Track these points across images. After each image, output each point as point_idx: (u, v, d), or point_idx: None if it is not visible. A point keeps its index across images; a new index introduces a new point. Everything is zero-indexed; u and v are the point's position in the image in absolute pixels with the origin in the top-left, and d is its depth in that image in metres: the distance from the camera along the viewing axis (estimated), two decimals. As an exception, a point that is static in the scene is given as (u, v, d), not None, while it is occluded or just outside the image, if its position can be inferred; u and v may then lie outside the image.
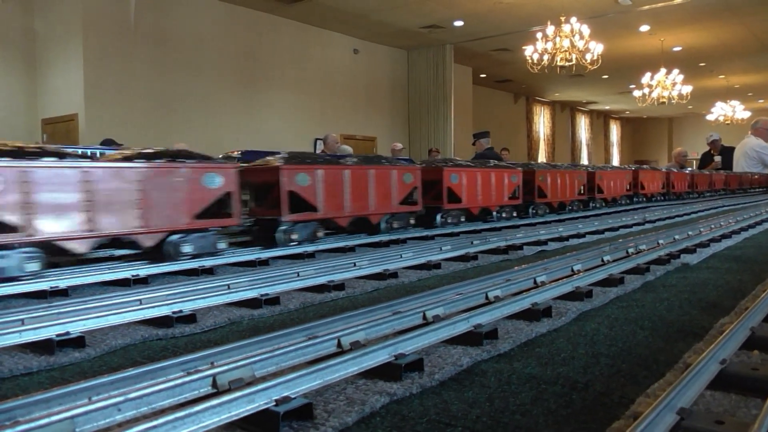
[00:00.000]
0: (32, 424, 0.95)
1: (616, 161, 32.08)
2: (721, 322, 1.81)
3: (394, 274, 2.74)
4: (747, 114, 23.23)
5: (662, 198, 9.06)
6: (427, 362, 1.45)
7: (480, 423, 1.17)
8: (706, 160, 13.21)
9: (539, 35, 12.69)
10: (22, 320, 1.71)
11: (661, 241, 3.50)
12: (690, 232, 3.98)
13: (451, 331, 1.64)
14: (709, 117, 23.33)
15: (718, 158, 12.74)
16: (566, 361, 1.53)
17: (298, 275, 2.50)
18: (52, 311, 1.82)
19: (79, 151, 4.27)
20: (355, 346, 1.44)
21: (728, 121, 22.97)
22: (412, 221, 4.45)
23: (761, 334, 1.57)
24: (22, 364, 1.51)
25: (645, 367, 1.48)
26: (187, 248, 2.98)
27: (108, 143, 8.74)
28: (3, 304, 2.19)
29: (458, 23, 14.81)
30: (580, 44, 12.47)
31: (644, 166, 9.75)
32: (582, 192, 6.77)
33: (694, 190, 10.11)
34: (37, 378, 1.47)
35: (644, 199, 8.43)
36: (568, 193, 6.41)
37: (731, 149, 13.07)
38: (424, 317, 1.76)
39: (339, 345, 1.46)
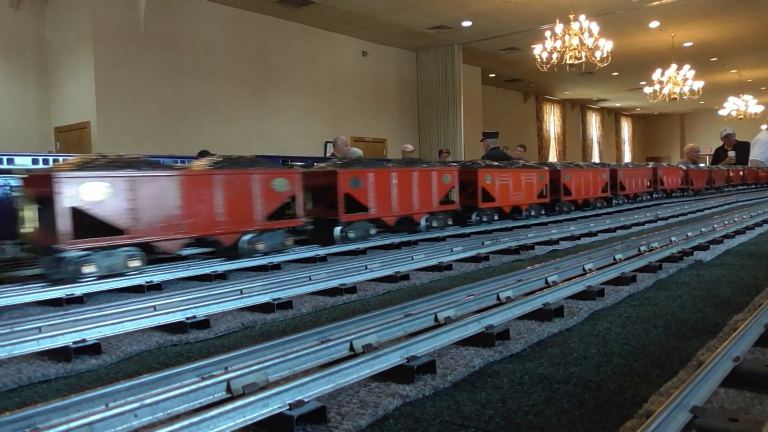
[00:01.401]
0: (52, 431, 0.97)
1: (627, 158, 31.87)
2: (735, 319, 1.81)
3: (405, 276, 2.75)
4: (760, 108, 23.00)
5: (681, 194, 9.04)
6: (440, 364, 1.45)
7: (493, 424, 1.18)
8: (719, 156, 13.08)
9: (548, 34, 12.62)
10: (40, 328, 1.74)
11: (673, 238, 3.48)
12: (703, 229, 3.96)
13: (462, 333, 1.65)
14: (722, 112, 23.11)
15: (732, 153, 12.61)
16: (579, 361, 1.53)
17: (310, 279, 2.51)
18: (69, 319, 1.84)
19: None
20: (368, 349, 1.45)
21: (741, 116, 22.74)
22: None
23: (775, 331, 1.56)
24: (40, 371, 1.53)
25: (658, 365, 1.48)
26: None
27: (203, 154, 9.10)
28: (20, 312, 2.22)
29: (466, 23, 14.77)
30: (589, 42, 12.39)
31: (663, 164, 9.70)
32: (605, 189, 6.89)
33: (712, 185, 10.08)
34: (55, 385, 1.49)
35: (663, 194, 8.48)
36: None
37: (745, 144, 12.94)
38: (436, 319, 1.76)
39: (351, 348, 1.47)
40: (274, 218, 3.37)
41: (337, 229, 3.78)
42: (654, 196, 8.25)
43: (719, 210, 6.34)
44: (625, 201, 7.39)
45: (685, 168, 9.49)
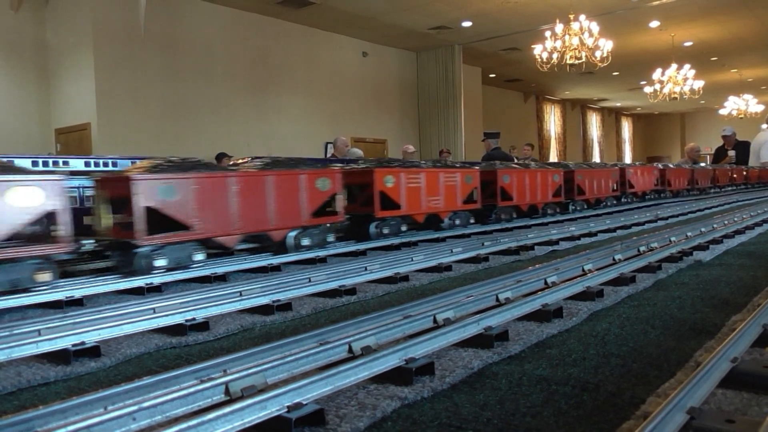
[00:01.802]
0: (49, 435, 0.97)
1: (628, 158, 31.86)
2: (734, 319, 1.81)
3: (405, 278, 2.75)
4: (760, 107, 23.01)
5: (657, 197, 8.60)
6: (438, 366, 1.45)
7: (491, 425, 1.18)
8: (720, 155, 13.10)
9: (548, 34, 12.63)
10: (39, 331, 1.74)
11: (673, 239, 3.48)
12: (703, 229, 3.96)
13: (461, 334, 1.65)
14: (722, 111, 23.12)
15: (732, 153, 12.62)
16: (577, 362, 1.53)
17: (310, 281, 2.52)
18: (68, 321, 1.84)
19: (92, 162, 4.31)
20: (366, 351, 1.45)
21: (741, 115, 22.75)
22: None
23: (773, 332, 1.56)
24: (40, 374, 1.54)
25: (656, 366, 1.48)
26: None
27: (222, 156, 9.55)
28: (20, 315, 2.22)
29: (466, 24, 14.78)
30: (589, 42, 12.40)
31: (636, 163, 9.57)
32: (559, 193, 6.12)
33: (694, 186, 9.69)
34: (54, 388, 1.49)
35: (634, 198, 7.86)
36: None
37: (746, 143, 12.95)
38: (435, 320, 1.76)
39: (350, 350, 1.48)
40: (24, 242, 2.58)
41: (140, 255, 2.85)
42: (623, 200, 7.51)
43: (717, 210, 6.32)
44: (585, 207, 6.50)
45: (661, 167, 8.89)
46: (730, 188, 10.91)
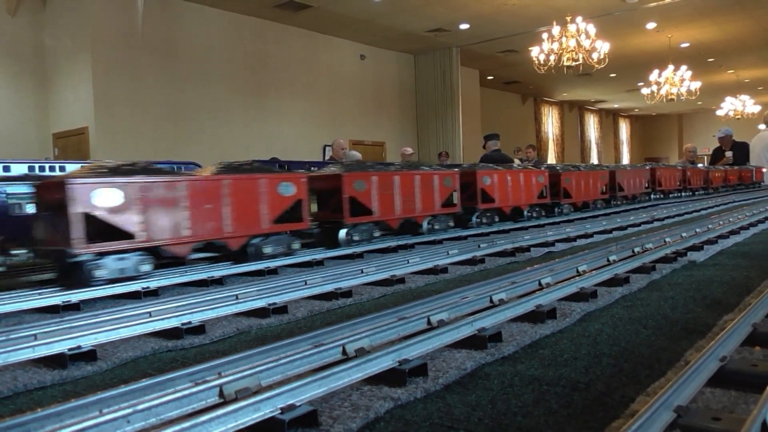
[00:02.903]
0: (44, 437, 0.98)
1: (626, 160, 31.91)
2: (725, 319, 1.82)
3: (401, 280, 2.76)
4: (757, 108, 23.02)
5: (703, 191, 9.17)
6: (432, 367, 1.47)
7: (482, 425, 1.19)
8: (717, 156, 13.12)
9: (545, 36, 12.68)
10: (35, 335, 1.75)
11: (668, 239, 3.50)
12: (698, 229, 3.97)
13: (455, 336, 1.66)
14: (719, 112, 23.14)
15: (729, 153, 12.64)
16: (569, 362, 1.54)
17: (306, 283, 2.52)
18: (64, 325, 1.85)
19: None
20: (360, 352, 1.46)
21: (738, 116, 22.78)
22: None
23: (763, 330, 1.58)
24: (36, 378, 1.55)
25: (647, 366, 1.49)
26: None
27: (274, 161, 9.35)
28: (17, 319, 2.23)
29: (464, 26, 14.82)
30: (586, 43, 12.44)
31: (524, 165, 9.53)
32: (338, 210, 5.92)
33: (617, 194, 8.81)
34: (50, 392, 1.50)
35: (691, 192, 8.49)
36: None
37: (743, 144, 12.97)
38: (429, 322, 1.77)
39: (344, 352, 1.49)
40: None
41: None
42: (652, 197, 7.40)
43: (714, 211, 6.31)
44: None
45: (682, 168, 8.65)
46: (683, 194, 10.41)
